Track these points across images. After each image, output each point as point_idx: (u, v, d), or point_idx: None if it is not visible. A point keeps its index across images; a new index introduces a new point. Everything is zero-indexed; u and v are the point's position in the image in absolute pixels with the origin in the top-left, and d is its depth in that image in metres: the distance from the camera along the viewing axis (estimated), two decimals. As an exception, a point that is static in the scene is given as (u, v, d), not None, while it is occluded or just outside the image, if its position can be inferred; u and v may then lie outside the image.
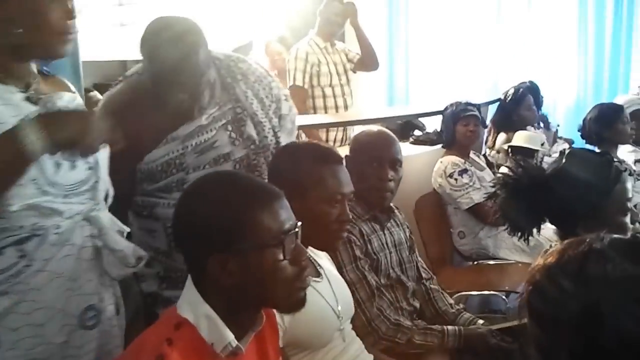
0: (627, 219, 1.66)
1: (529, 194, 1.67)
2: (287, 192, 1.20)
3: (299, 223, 1.17)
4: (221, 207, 1.12)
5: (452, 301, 2.32)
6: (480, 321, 2.17)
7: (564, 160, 1.69)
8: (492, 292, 3.02)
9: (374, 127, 2.45)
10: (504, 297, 2.96)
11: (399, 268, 2.18)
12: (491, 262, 3.30)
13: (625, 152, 3.39)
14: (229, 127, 1.86)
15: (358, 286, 1.95)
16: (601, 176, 1.63)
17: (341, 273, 1.87)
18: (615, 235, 0.89)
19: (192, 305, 1.11)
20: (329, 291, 1.68)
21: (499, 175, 1.80)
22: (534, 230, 1.69)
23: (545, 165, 1.86)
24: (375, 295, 1.99)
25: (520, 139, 3.69)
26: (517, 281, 3.02)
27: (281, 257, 1.12)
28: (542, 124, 4.68)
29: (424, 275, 2.32)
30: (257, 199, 1.14)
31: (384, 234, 2.18)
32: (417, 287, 2.27)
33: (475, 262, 3.34)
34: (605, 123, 3.20)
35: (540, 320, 0.89)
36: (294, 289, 1.16)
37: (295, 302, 1.18)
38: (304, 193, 1.53)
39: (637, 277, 0.83)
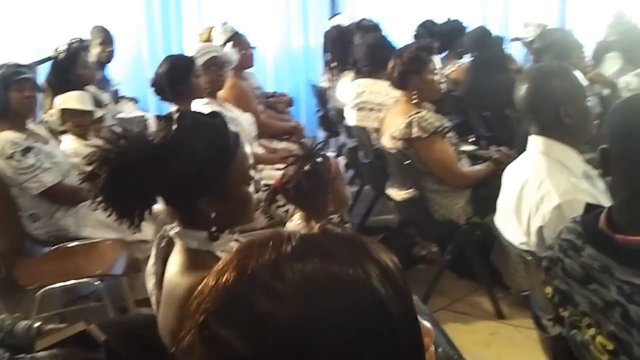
0: (251, 189, 1.55)
1: (136, 170, 1.40)
2: None
3: None
4: None
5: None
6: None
7: (173, 127, 1.44)
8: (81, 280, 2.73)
9: None
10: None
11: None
12: (74, 243, 2.97)
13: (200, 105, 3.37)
14: None
15: None
16: (219, 142, 1.45)
17: None
18: (304, 234, 0.71)
19: None
20: None
21: (92, 150, 1.50)
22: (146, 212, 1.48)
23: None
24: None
25: (70, 100, 3.36)
26: (109, 262, 2.80)
27: None
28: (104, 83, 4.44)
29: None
30: None
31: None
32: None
33: (55, 247, 2.98)
34: (179, 77, 3.12)
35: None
36: None
37: None
38: None
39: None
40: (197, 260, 1.42)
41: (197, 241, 1.45)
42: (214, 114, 1.55)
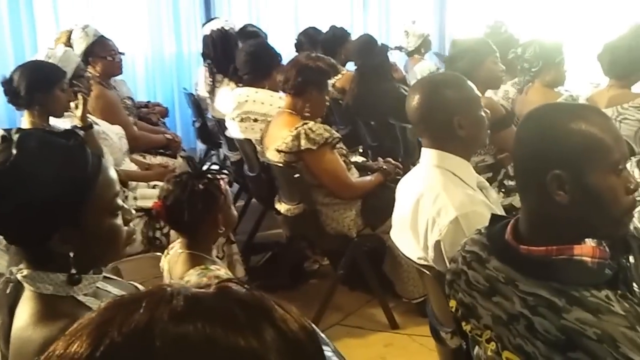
0: (119, 220, 1.34)
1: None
2: None
3: None
4: None
5: None
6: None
7: (14, 151, 1.22)
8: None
9: None
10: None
11: None
12: None
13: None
14: None
15: None
16: (73, 168, 1.24)
17: None
18: (193, 293, 0.60)
19: None
20: None
21: None
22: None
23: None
24: None
25: None
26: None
27: None
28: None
29: None
30: None
31: None
32: None
33: None
34: (42, 87, 2.92)
35: None
36: None
37: None
38: None
39: None
40: (53, 308, 1.24)
41: (53, 285, 1.27)
42: (68, 134, 1.34)
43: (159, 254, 2.33)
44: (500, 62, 3.20)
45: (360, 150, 3.82)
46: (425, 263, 1.99)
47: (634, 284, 1.74)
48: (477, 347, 1.49)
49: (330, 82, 3.28)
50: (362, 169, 3.47)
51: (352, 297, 3.57)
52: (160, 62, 5.74)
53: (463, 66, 3.01)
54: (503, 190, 2.93)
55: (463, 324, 1.51)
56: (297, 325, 0.62)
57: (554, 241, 1.31)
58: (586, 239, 1.35)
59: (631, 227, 2.02)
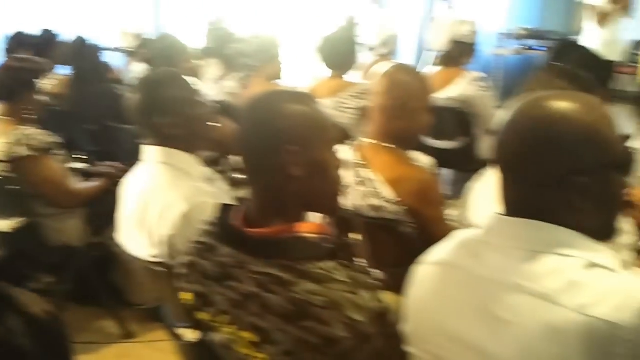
0: None
1: None
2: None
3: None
4: None
5: None
6: None
7: None
8: None
9: None
10: None
11: None
12: None
13: None
14: None
15: None
16: None
17: None
18: None
19: None
20: None
21: None
22: None
23: None
24: None
25: None
26: None
27: None
28: None
29: None
30: None
31: None
32: None
33: None
34: None
35: None
36: None
37: None
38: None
39: None
40: None
41: None
42: None
43: None
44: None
45: (81, 156, 3.65)
46: (159, 260, 1.98)
47: (357, 259, 1.93)
48: (215, 334, 1.51)
49: (46, 87, 3.11)
50: (85, 175, 3.34)
51: (82, 313, 3.38)
52: None
53: (159, 66, 3.08)
54: (231, 182, 3.02)
55: (199, 314, 1.53)
56: (40, 309, 0.62)
57: (281, 220, 1.39)
58: (311, 216, 1.46)
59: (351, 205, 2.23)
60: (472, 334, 1.22)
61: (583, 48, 2.67)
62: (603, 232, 1.25)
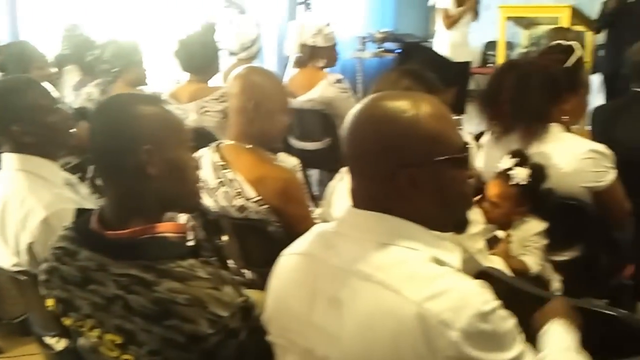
0: None
1: None
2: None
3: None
4: None
5: None
6: None
7: None
8: None
9: None
10: None
11: None
12: None
13: None
14: None
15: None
16: None
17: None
18: None
19: None
20: None
21: None
22: None
23: None
24: None
25: None
26: None
27: None
28: None
29: None
30: None
31: None
32: None
33: None
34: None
35: None
36: None
37: None
38: None
39: None
40: None
41: None
42: None
43: None
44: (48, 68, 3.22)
45: None
46: (20, 269, 1.95)
47: (229, 261, 1.97)
48: (82, 339, 1.51)
49: None
50: None
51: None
52: None
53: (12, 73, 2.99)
54: (94, 188, 2.97)
55: (63, 319, 1.52)
56: None
57: (141, 221, 1.42)
58: (169, 215, 1.50)
59: (213, 206, 2.27)
60: (323, 320, 1.29)
61: (429, 50, 2.85)
62: (448, 224, 1.35)
